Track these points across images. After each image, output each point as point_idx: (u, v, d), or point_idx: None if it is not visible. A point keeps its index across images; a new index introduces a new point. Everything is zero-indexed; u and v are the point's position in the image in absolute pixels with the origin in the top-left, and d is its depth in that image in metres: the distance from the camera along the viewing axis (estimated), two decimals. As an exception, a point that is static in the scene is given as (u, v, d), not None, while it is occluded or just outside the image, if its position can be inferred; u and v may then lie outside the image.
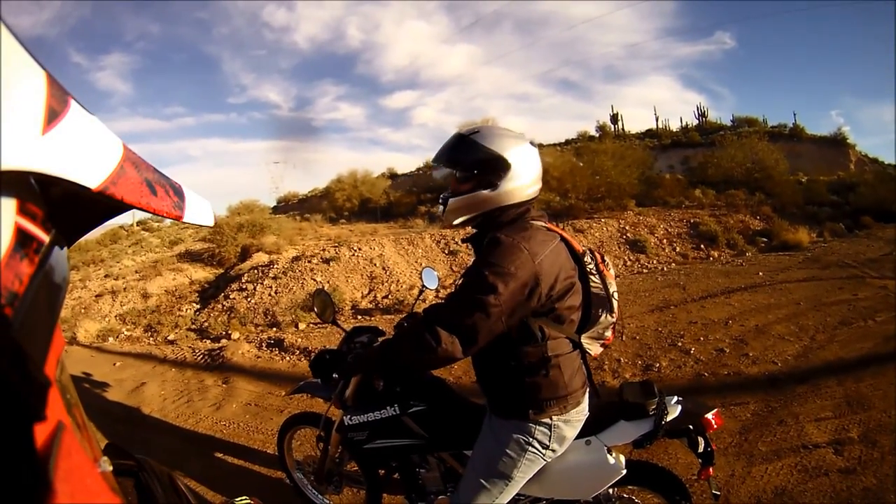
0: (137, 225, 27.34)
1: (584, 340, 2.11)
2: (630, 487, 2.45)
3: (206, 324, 9.95)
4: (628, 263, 9.66)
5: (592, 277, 2.08)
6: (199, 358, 7.97)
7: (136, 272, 15.77)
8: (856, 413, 3.80)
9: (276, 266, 11.23)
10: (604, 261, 2.20)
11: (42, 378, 0.36)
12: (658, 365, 5.09)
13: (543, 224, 2.06)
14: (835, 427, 3.69)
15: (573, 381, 2.07)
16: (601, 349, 2.21)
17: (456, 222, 2.16)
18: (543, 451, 2.10)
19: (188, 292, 13.11)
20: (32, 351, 0.35)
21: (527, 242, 1.87)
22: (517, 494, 2.33)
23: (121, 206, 0.46)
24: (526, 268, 1.83)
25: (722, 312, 6.29)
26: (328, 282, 9.80)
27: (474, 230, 2.22)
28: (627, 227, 10.72)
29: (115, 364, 8.61)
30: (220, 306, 10.69)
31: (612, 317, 2.15)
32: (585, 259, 2.09)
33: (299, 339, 7.47)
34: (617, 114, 28.93)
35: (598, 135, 27.42)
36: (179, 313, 11.56)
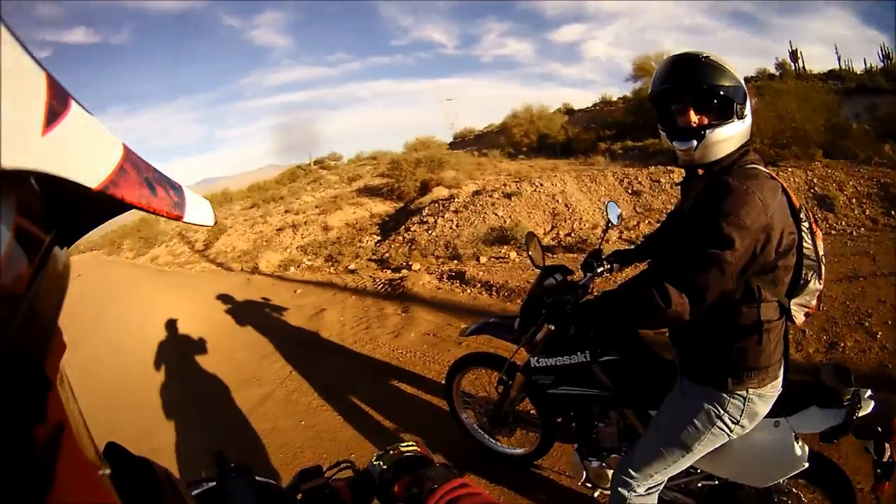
0: (315, 164, 28.76)
1: (792, 307, 1.90)
2: (800, 482, 2.23)
3: (386, 254, 10.16)
4: (817, 222, 8.41)
5: (805, 237, 1.85)
6: (379, 287, 8.18)
7: (316, 207, 16.66)
8: None
9: (456, 200, 11.17)
10: (816, 221, 1.95)
11: (42, 378, 0.36)
12: (843, 345, 4.43)
13: (764, 169, 1.84)
14: None
15: (776, 351, 1.92)
16: (804, 318, 1.96)
17: (710, 160, 1.91)
18: (732, 427, 1.97)
19: (368, 225, 13.57)
20: (32, 351, 0.35)
21: (759, 191, 1.69)
22: (690, 469, 2.26)
23: (121, 206, 0.44)
24: (760, 220, 1.67)
25: None
26: (510, 217, 9.57)
27: (686, 173, 2.08)
28: (815, 180, 9.16)
29: (295, 291, 9.16)
30: (400, 238, 10.87)
31: (820, 283, 1.92)
32: (801, 216, 1.86)
33: (481, 273, 7.40)
34: (796, 50, 25.48)
35: (778, 73, 24.86)
36: (360, 244, 12.01)
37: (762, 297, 1.82)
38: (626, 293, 1.95)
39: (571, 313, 2.25)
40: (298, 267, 11.52)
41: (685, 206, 2.02)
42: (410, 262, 9.12)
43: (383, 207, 14.76)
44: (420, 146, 19.04)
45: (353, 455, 3.75)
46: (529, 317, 2.64)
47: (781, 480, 2.11)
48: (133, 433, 5.14)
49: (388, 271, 9.20)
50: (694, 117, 1.88)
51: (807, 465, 1.99)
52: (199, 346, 7.24)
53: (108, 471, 0.50)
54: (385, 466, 1.09)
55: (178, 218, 0.51)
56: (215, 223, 0.72)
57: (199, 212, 0.55)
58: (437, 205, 11.62)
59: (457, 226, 10.07)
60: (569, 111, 26.44)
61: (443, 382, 3.97)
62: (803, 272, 1.86)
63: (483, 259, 8.38)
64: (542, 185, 10.11)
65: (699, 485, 2.41)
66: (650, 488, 2.21)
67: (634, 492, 2.20)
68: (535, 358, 2.67)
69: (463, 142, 28.56)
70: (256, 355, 6.34)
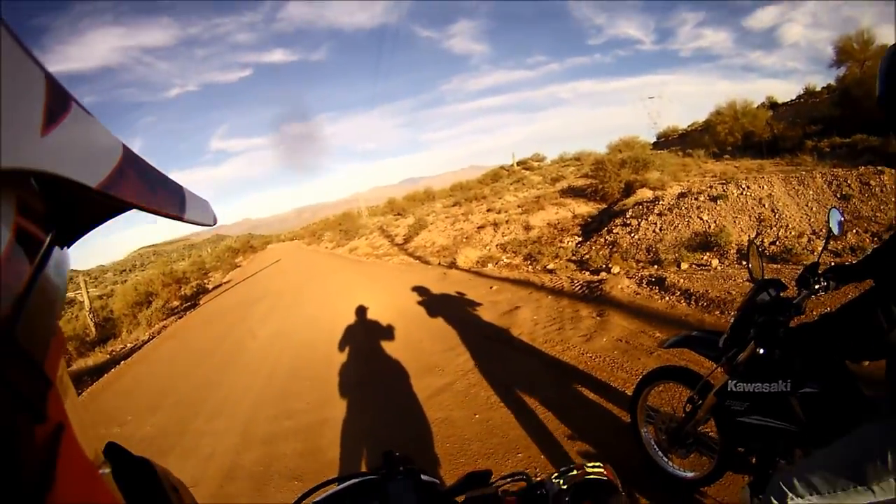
0: (518, 165, 29.11)
1: None
2: None
3: (586, 256, 10.08)
4: None
5: None
6: (576, 288, 8.12)
7: (518, 206, 16.90)
8: None
9: (661, 202, 10.75)
10: None
11: (42, 378, 0.37)
12: None
13: None
14: None
15: None
16: None
17: None
18: None
19: (570, 225, 13.50)
20: (32, 351, 0.35)
21: None
22: None
23: (121, 206, 0.46)
24: None
25: None
26: (714, 221, 9.02)
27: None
28: None
29: (491, 287, 9.34)
30: (602, 240, 10.73)
31: None
32: None
33: (681, 280, 7.06)
34: None
35: None
36: (560, 244, 11.99)
37: None
38: (845, 315, 1.77)
39: (784, 336, 2.15)
40: (496, 264, 11.79)
41: None
42: (610, 265, 9.02)
43: (586, 208, 14.64)
44: (623, 146, 18.61)
45: (519, 455, 3.81)
46: (737, 335, 2.49)
47: None
48: (305, 404, 5.73)
49: (587, 273, 9.15)
50: None
51: None
52: (387, 332, 7.70)
53: (108, 470, 0.52)
54: (564, 486, 0.99)
55: (178, 218, 0.52)
56: (216, 223, 0.65)
57: (199, 212, 0.58)
58: (640, 207, 11.30)
59: (660, 229, 9.74)
60: (773, 105, 24.10)
61: (627, 392, 3.96)
62: None
63: (684, 265, 8.06)
64: (748, 187, 9.38)
65: None
66: None
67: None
68: (734, 381, 2.49)
69: (667, 141, 27.30)
70: (443, 346, 6.59)
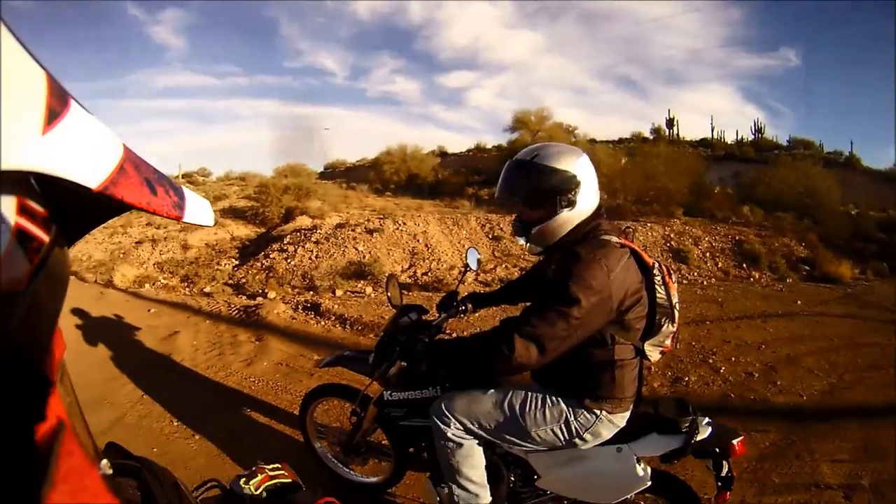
0: (183, 177, 27.65)
1: (647, 347, 2.17)
2: (648, 495, 2.45)
3: (243, 280, 10.15)
4: (670, 274, 9.33)
5: (658, 289, 2.14)
6: (233, 313, 8.06)
7: (178, 223, 15.86)
8: (871, 461, 3.76)
9: (319, 231, 11.31)
10: (670, 273, 2.28)
11: (42, 378, 0.37)
12: (687, 379, 5.08)
13: (616, 239, 2.09)
14: (849, 471, 3.67)
15: (630, 386, 2.15)
16: (659, 356, 2.27)
17: (543, 248, 2.26)
18: (573, 437, 2.17)
19: (228, 248, 13.38)
20: (32, 351, 0.35)
21: (605, 259, 1.94)
22: (539, 490, 2.46)
23: (121, 206, 0.46)
24: (603, 282, 1.90)
25: (756, 336, 6.20)
26: (370, 252, 9.85)
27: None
28: (672, 235, 10.66)
29: (149, 310, 8.79)
30: (258, 265, 10.86)
31: (674, 326, 2.20)
32: (654, 272, 2.15)
33: (336, 306, 7.52)
34: (673, 118, 28.24)
35: (652, 137, 26.94)
36: (218, 267, 11.81)
37: (615, 341, 2.05)
38: (476, 342, 2.17)
39: (423, 352, 2.45)
40: (154, 284, 11.18)
41: (548, 270, 2.18)
42: (267, 290, 9.19)
43: (245, 231, 14.66)
44: (290, 172, 18.94)
45: (207, 484, 3.69)
46: (384, 353, 2.75)
47: (629, 496, 2.30)
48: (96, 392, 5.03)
49: (244, 297, 9.17)
50: (529, 214, 2.19)
51: (649, 483, 2.20)
52: None
53: (109, 471, 0.52)
54: (256, 492, 1.09)
55: (178, 218, 0.53)
56: (215, 223, 0.79)
57: (199, 212, 0.58)
58: (298, 234, 11.72)
59: (316, 257, 10.23)
60: (442, 154, 27.22)
61: (296, 413, 4.04)
62: (657, 318, 2.11)
63: (339, 292, 8.59)
64: (405, 223, 10.56)
65: None
66: (466, 432, 2.34)
67: (450, 428, 2.35)
68: (389, 392, 2.78)
69: (333, 172, 28.49)
70: (106, 376, 6.03)
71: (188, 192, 0.57)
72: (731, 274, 9.57)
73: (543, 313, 1.93)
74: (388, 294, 3.02)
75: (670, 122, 28.40)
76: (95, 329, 7.86)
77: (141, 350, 6.90)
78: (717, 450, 2.18)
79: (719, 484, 2.19)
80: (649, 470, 2.23)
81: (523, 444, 2.29)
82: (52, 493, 0.35)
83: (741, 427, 2.92)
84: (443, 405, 2.38)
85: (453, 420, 2.33)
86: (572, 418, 2.14)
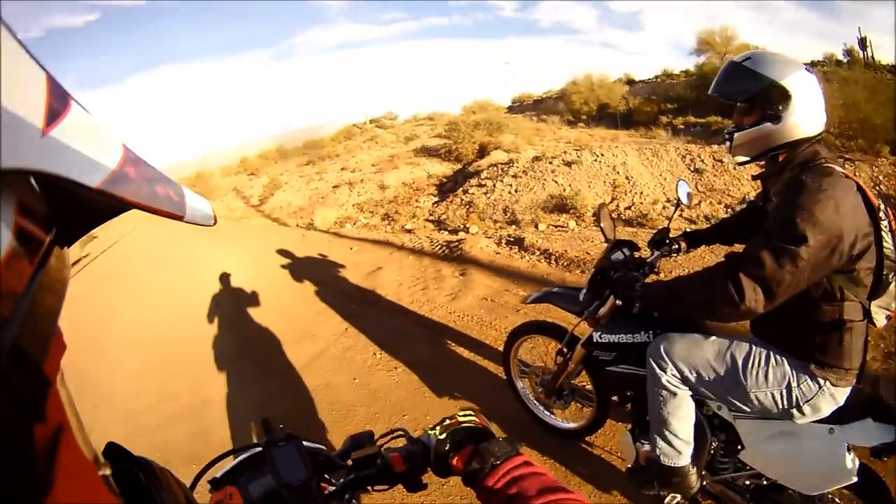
0: (370, 122, 28.74)
1: (873, 308, 1.88)
2: (844, 491, 2.10)
3: (443, 216, 10.15)
4: None
5: (885, 236, 1.82)
6: (436, 248, 8.10)
7: (373, 165, 16.66)
8: None
9: (515, 165, 10.98)
10: None
11: (42, 378, 0.36)
12: None
13: (840, 168, 1.84)
14: None
15: (857, 355, 1.91)
16: (885, 321, 1.95)
17: (742, 159, 2.12)
18: (790, 404, 1.96)
19: (425, 185, 13.55)
20: (32, 351, 0.34)
21: (832, 189, 1.72)
22: (739, 463, 2.28)
23: (121, 206, 0.45)
24: (832, 219, 1.69)
25: None
26: (570, 185, 9.37)
27: (762, 168, 2.15)
28: (881, 178, 8.82)
29: (351, 248, 9.19)
30: (458, 200, 10.80)
31: None
32: (880, 214, 1.83)
33: (540, 240, 7.22)
34: (865, 38, 23.97)
35: (846, 60, 23.74)
36: (417, 205, 12.00)
37: (844, 297, 1.82)
38: (700, 281, 1.99)
39: (640, 292, 2.24)
40: (354, 224, 11.59)
41: (766, 205, 2.09)
42: (468, 225, 9.06)
43: (441, 169, 14.69)
44: (478, 108, 18.83)
45: (405, 418, 3.80)
46: (596, 289, 2.62)
47: (828, 491, 2.07)
48: (185, 385, 5.29)
49: (446, 233, 9.15)
50: (736, 118, 2.06)
51: (856, 478, 1.93)
52: (254, 299, 7.33)
53: (108, 471, 0.51)
54: (442, 437, 1.04)
55: (179, 218, 0.52)
56: (216, 223, 0.62)
57: (199, 212, 0.57)
58: (495, 168, 11.46)
59: (516, 191, 9.91)
60: (629, 81, 25.59)
61: (499, 349, 3.97)
62: (884, 273, 1.84)
63: (542, 226, 8.26)
64: (602, 155, 9.88)
65: (747, 482, 2.36)
66: (682, 381, 2.20)
67: (665, 374, 2.20)
68: (598, 333, 2.61)
69: (521, 106, 27.91)
70: (312, 310, 6.39)
71: (188, 192, 0.56)
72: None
73: (769, 252, 1.74)
74: (601, 226, 2.81)
75: (863, 43, 24.12)
76: (300, 267, 8.47)
77: (345, 285, 7.19)
78: None
79: None
80: (858, 462, 1.94)
81: (738, 404, 2.09)
82: (51, 493, 0.35)
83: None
84: (661, 347, 2.22)
85: (670, 365, 2.18)
86: (795, 384, 1.93)
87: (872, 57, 24.01)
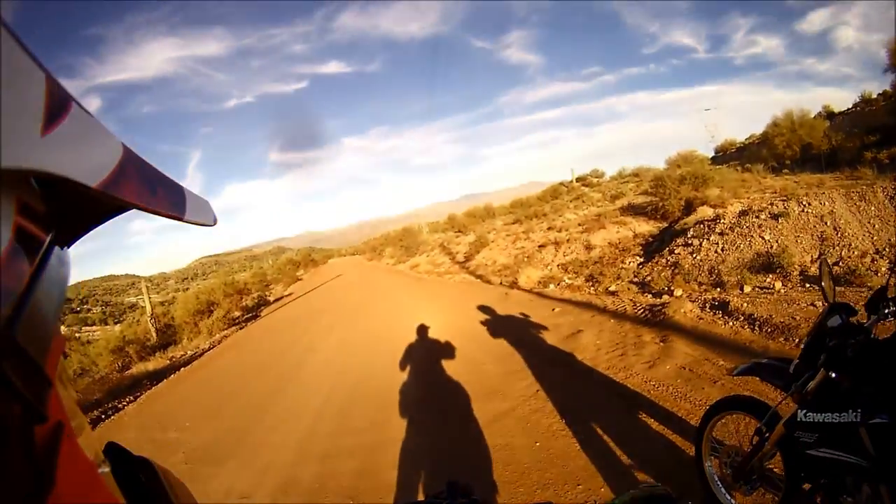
0: (577, 181, 28.91)
1: None
2: None
3: (648, 278, 9.98)
4: None
5: None
6: (638, 312, 8.03)
7: (579, 224, 16.73)
8: None
9: (722, 221, 10.50)
10: None
11: (42, 378, 0.36)
12: None
13: None
14: None
15: None
16: None
17: None
18: None
19: (631, 245, 13.34)
20: (32, 351, 0.35)
21: None
22: None
23: (121, 206, 0.47)
24: None
25: None
26: (776, 241, 8.76)
27: None
28: None
29: (553, 309, 9.29)
30: (663, 261, 10.58)
31: None
32: None
33: (745, 304, 6.84)
34: None
35: None
36: (622, 265, 11.83)
37: None
38: None
39: (853, 356, 2.08)
40: (558, 285, 11.74)
41: None
42: (672, 288, 8.88)
43: (647, 227, 14.46)
44: (681, 161, 18.28)
45: (579, 487, 3.79)
46: (809, 360, 2.39)
47: None
48: (362, 423, 5.77)
49: (649, 296, 9.02)
50: None
51: None
52: (448, 351, 7.73)
53: (107, 469, 0.51)
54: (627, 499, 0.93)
55: (178, 218, 0.52)
56: (216, 223, 0.64)
57: (199, 212, 0.57)
58: (702, 226, 11.08)
59: (722, 249, 9.51)
60: (829, 115, 22.87)
61: (692, 423, 3.88)
62: None
63: (747, 288, 7.87)
64: (809, 204, 9.14)
65: None
66: None
67: None
68: (804, 411, 2.36)
69: (724, 155, 26.34)
70: (505, 369, 6.59)
71: (189, 192, 0.57)
72: None
73: None
74: (822, 285, 2.57)
75: None
76: (498, 325, 8.75)
77: (543, 347, 7.34)
78: None
79: None
80: None
81: None
82: (52, 493, 0.36)
83: None
84: None
85: None
86: None
87: None
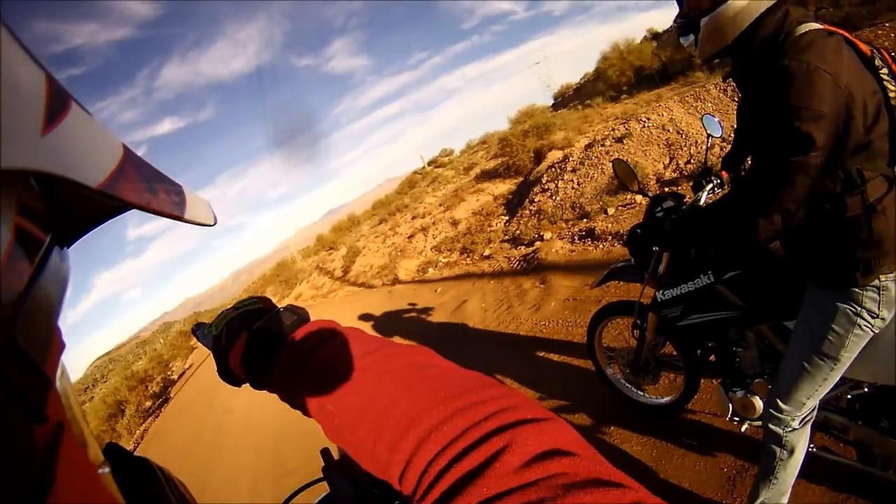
0: (429, 165, 29.18)
1: None
2: None
3: (517, 232, 10.08)
4: None
5: (889, 84, 1.61)
6: (515, 265, 8.24)
7: (440, 205, 16.81)
8: None
9: (571, 159, 10.83)
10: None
11: (42, 378, 0.35)
12: None
13: (817, 24, 1.57)
14: None
15: None
16: None
17: (714, 53, 1.79)
18: (872, 321, 1.78)
19: (494, 208, 13.47)
20: (32, 351, 0.33)
21: (822, 61, 1.46)
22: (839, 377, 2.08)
23: (121, 206, 0.45)
24: (835, 98, 1.46)
25: None
26: (626, 160, 9.06)
27: (730, 60, 1.81)
28: None
29: (436, 290, 9.42)
30: (527, 212, 10.74)
31: None
32: (876, 63, 1.62)
33: (610, 225, 7.22)
34: None
35: None
36: (490, 229, 11.93)
37: (864, 178, 1.61)
38: (714, 219, 1.87)
39: (670, 230, 2.19)
40: (436, 266, 11.75)
41: (754, 106, 1.77)
42: (542, 233, 8.99)
43: (504, 187, 14.65)
44: (525, 117, 18.70)
45: None
46: (637, 249, 2.59)
47: None
48: (298, 460, 5.57)
49: (522, 247, 9.16)
50: (692, 2, 1.75)
51: None
52: None
53: (107, 469, 0.51)
54: (216, 332, 0.86)
55: (178, 218, 0.51)
56: (216, 223, 0.57)
57: (199, 211, 0.56)
58: (554, 169, 11.30)
59: (578, 184, 9.75)
60: (655, 36, 24.80)
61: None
62: None
63: (611, 210, 8.08)
64: (649, 118, 9.62)
65: (848, 397, 2.24)
66: (804, 419, 2.08)
67: (788, 427, 2.08)
68: (661, 291, 2.59)
69: (564, 99, 27.47)
70: None
71: (189, 192, 0.55)
72: None
73: (776, 171, 1.56)
74: (619, 181, 2.82)
75: None
76: (388, 323, 8.70)
77: (434, 327, 7.33)
78: None
79: None
80: None
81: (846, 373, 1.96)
82: (51, 493, 0.33)
83: None
84: (771, 408, 2.11)
85: (787, 419, 2.08)
86: (859, 308, 1.77)
87: None
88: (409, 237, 15.82)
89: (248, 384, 0.84)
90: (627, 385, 3.39)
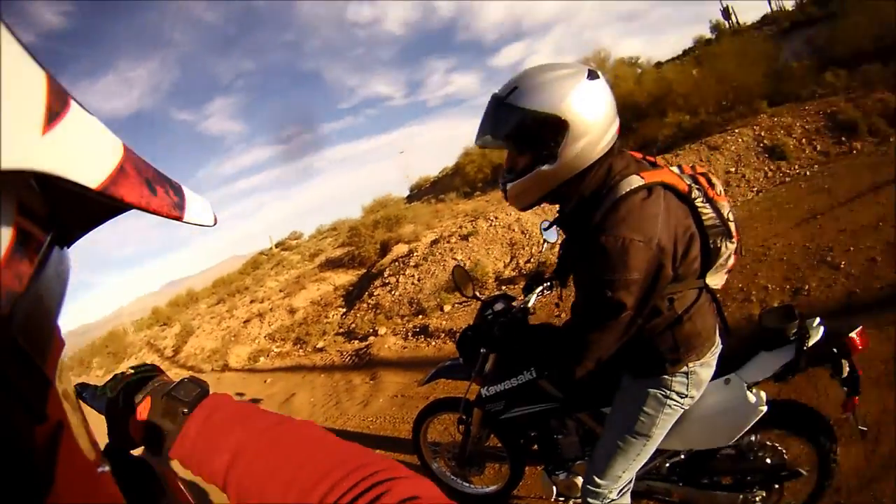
0: (276, 247, 28.80)
1: (709, 280, 1.83)
2: (775, 432, 2.27)
3: (352, 325, 9.89)
4: (769, 174, 8.53)
5: (703, 210, 1.74)
6: (346, 360, 8.22)
7: (280, 291, 16.36)
8: None
9: (415, 254, 10.93)
10: (711, 184, 1.84)
11: (42, 378, 0.36)
12: (807, 287, 4.60)
13: (638, 178, 1.63)
14: None
15: (706, 325, 1.86)
16: (725, 278, 1.93)
17: (525, 207, 1.90)
18: (682, 401, 1.93)
19: (333, 298, 13.18)
20: (32, 351, 0.34)
21: (638, 233, 1.53)
22: (654, 451, 2.19)
23: (121, 206, 0.44)
24: (647, 262, 1.55)
25: (870, 214, 5.37)
26: (468, 258, 9.36)
27: (558, 208, 1.89)
28: (763, 133, 9.46)
29: (265, 381, 9.20)
30: (365, 305, 10.59)
31: (733, 242, 1.81)
32: (693, 195, 1.74)
33: (444, 322, 7.34)
34: (727, 7, 25.28)
35: (713, 36, 24.55)
36: (326, 320, 11.65)
37: (672, 301, 1.75)
38: (539, 349, 2.11)
39: (498, 335, 2.36)
40: (268, 355, 11.28)
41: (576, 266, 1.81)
42: (376, 328, 8.87)
43: (346, 278, 14.44)
44: (377, 207, 18.73)
45: None
46: (469, 350, 2.67)
47: (750, 435, 2.19)
48: None
49: (356, 341, 9.01)
50: (513, 161, 1.80)
51: (765, 408, 2.00)
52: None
53: (107, 469, 0.48)
54: (112, 395, 0.84)
55: (178, 218, 0.50)
56: (216, 223, 0.51)
57: (199, 212, 0.54)
58: (397, 263, 11.33)
59: (418, 280, 9.79)
60: None
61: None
62: (711, 241, 1.75)
63: (447, 307, 8.17)
64: (496, 217, 9.98)
65: (667, 465, 2.43)
66: (621, 490, 2.18)
67: (606, 498, 2.16)
68: (486, 387, 2.68)
69: (420, 192, 28.28)
70: None
71: (189, 192, 0.54)
72: (831, 154, 8.33)
73: (592, 326, 1.67)
74: (457, 287, 2.92)
75: (726, 13, 25.67)
76: None
77: None
78: (835, 350, 1.97)
79: (845, 389, 2.01)
80: (763, 395, 2.05)
81: (660, 444, 2.09)
82: (52, 494, 0.35)
83: (872, 324, 2.71)
84: (589, 484, 2.21)
85: (605, 493, 2.17)
86: (669, 391, 1.91)
87: (737, 22, 25.23)
88: (244, 322, 15.12)
89: (141, 448, 0.79)
90: (454, 478, 3.44)
